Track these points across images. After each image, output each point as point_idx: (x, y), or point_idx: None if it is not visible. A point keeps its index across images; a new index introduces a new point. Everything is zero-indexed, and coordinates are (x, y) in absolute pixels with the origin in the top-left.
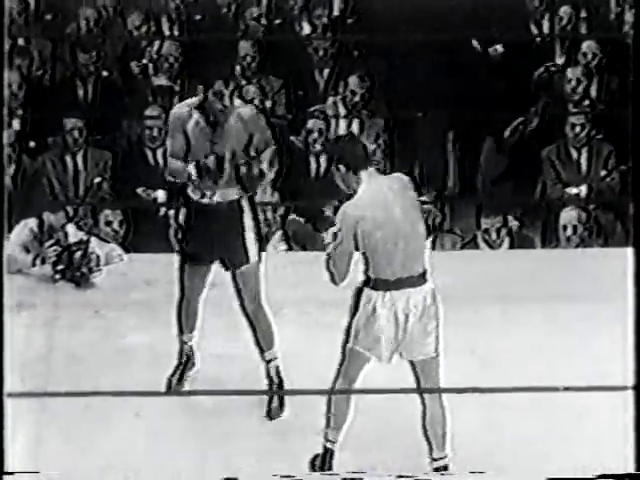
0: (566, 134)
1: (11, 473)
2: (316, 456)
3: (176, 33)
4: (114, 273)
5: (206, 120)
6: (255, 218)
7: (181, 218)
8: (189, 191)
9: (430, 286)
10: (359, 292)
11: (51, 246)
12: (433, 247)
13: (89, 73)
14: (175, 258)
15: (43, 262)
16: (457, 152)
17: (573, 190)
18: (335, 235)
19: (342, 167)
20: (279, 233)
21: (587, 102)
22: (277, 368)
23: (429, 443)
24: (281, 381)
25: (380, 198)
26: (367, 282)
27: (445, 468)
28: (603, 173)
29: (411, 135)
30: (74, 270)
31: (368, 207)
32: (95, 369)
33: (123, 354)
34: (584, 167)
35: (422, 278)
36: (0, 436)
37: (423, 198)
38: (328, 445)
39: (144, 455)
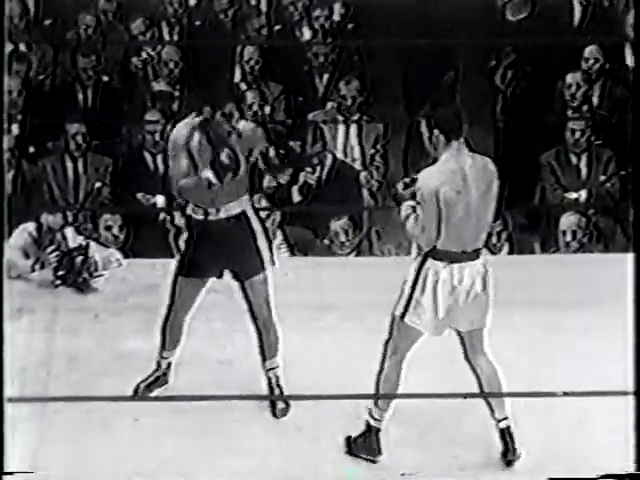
0: (566, 139)
1: (11, 473)
2: (358, 435)
3: (175, 38)
4: (114, 278)
5: (208, 140)
6: (262, 225)
7: (182, 241)
8: (190, 212)
9: (484, 260)
10: (422, 262)
11: (52, 252)
12: None
13: (88, 77)
14: (172, 263)
15: (43, 267)
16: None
17: (573, 195)
18: (413, 208)
19: (437, 131)
20: (279, 238)
21: (587, 107)
22: (278, 377)
23: (490, 406)
24: (281, 389)
25: (463, 172)
26: (432, 252)
27: (508, 429)
28: (603, 178)
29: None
30: (76, 275)
31: (450, 176)
32: (94, 374)
33: (123, 359)
34: (584, 172)
35: (479, 252)
36: (0, 438)
37: None
38: (372, 423)
39: (143, 460)
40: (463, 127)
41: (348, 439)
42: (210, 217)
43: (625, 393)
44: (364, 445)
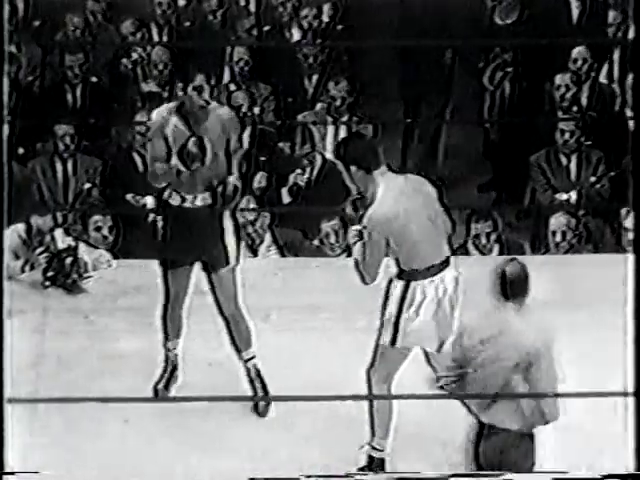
0: (556, 140)
1: (12, 473)
2: (361, 468)
3: (165, 39)
4: (103, 279)
5: (185, 122)
6: (234, 221)
7: (160, 225)
8: (167, 197)
9: (453, 270)
10: (405, 287)
11: (41, 253)
12: None
13: (75, 75)
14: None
15: (32, 268)
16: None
17: (563, 196)
18: (360, 233)
19: (353, 167)
20: (268, 239)
21: (576, 108)
22: (256, 366)
23: (467, 407)
24: (262, 378)
25: (401, 197)
26: (401, 275)
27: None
28: (593, 179)
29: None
30: (65, 276)
31: (393, 208)
32: (84, 375)
33: (112, 360)
34: (573, 173)
35: (447, 262)
36: (0, 438)
37: None
38: (375, 454)
39: (133, 462)
40: (379, 156)
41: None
42: (186, 204)
43: (625, 394)
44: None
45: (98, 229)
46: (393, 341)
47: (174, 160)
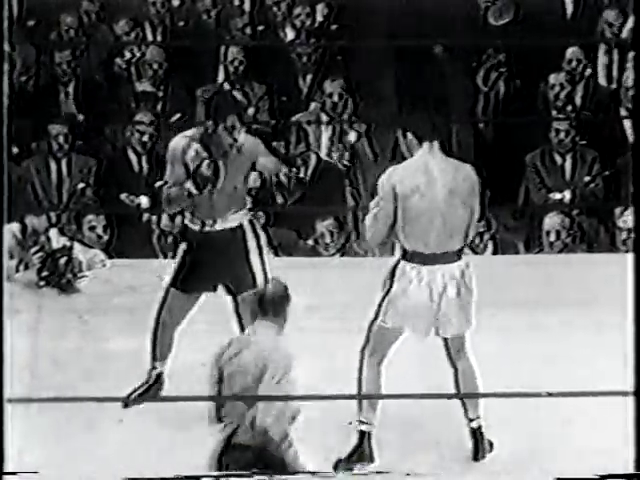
0: (550, 140)
1: (14, 473)
2: (353, 449)
3: (159, 39)
4: (98, 279)
5: (207, 152)
6: (258, 241)
7: (180, 250)
8: (187, 222)
9: (465, 263)
10: (395, 266)
11: (36, 252)
12: None
13: (64, 73)
14: (156, 264)
15: (27, 268)
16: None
17: (557, 195)
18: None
19: (409, 134)
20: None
21: (570, 108)
22: None
23: (463, 404)
24: None
25: (427, 169)
26: (403, 255)
27: (480, 428)
28: (587, 179)
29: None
30: (59, 276)
31: (410, 172)
32: (78, 375)
33: (106, 359)
34: (568, 173)
35: (458, 255)
36: (0, 438)
37: None
38: (363, 427)
39: (128, 462)
40: (437, 131)
41: (339, 461)
42: (206, 228)
43: (625, 393)
44: (356, 455)
45: (92, 229)
46: (376, 317)
47: (187, 183)
